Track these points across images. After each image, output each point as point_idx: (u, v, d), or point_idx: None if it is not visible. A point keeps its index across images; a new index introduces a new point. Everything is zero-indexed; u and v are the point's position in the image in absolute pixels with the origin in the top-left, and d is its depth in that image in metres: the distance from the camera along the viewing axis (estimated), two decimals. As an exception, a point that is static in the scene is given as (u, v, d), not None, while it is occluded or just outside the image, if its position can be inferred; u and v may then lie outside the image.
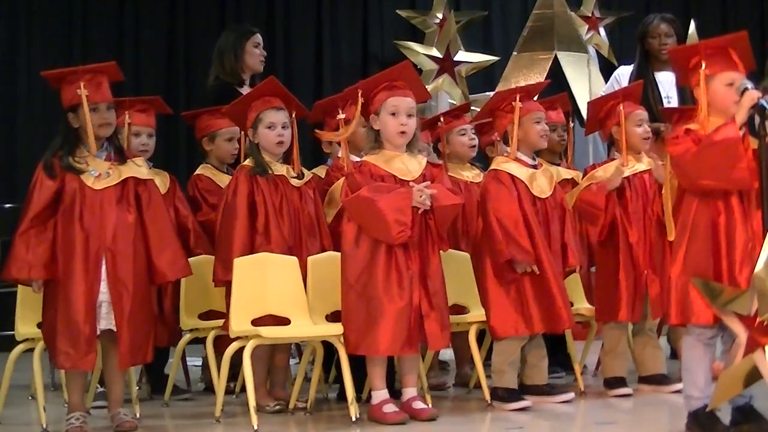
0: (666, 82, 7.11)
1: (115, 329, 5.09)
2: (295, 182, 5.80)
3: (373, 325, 5.26)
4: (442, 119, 6.62)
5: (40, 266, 5.04)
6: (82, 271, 5.05)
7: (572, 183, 6.59)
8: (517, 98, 5.77)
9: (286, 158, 5.87)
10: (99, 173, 5.14)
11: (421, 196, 5.27)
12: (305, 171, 5.93)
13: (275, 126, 5.76)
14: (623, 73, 7.53)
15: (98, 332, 5.08)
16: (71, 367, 5.12)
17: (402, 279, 5.29)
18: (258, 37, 7.36)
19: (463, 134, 6.63)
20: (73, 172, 5.10)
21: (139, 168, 5.28)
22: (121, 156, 5.26)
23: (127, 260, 5.12)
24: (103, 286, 5.08)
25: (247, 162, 5.82)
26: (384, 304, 5.26)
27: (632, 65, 7.55)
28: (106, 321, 5.09)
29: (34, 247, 5.03)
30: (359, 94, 5.45)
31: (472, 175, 6.62)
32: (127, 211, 5.18)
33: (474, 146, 6.70)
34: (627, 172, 5.99)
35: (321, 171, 6.43)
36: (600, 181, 5.97)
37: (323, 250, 5.77)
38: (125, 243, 5.13)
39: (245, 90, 7.02)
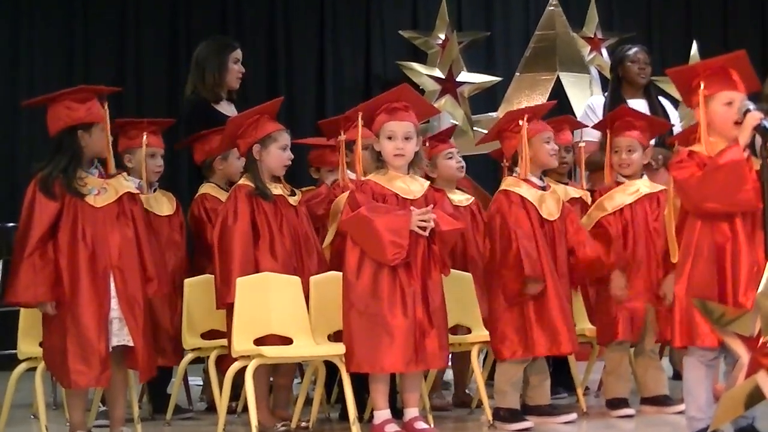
0: (639, 109, 7.09)
1: (130, 344, 5.08)
2: (291, 200, 5.83)
3: (378, 342, 5.25)
4: (428, 143, 6.59)
5: (48, 288, 5.01)
6: (90, 290, 5.03)
7: (581, 202, 6.59)
8: (525, 118, 5.79)
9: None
10: (98, 191, 5.14)
11: (421, 221, 5.28)
12: (294, 189, 5.96)
13: (287, 148, 5.80)
14: (597, 103, 7.53)
15: (110, 349, 5.07)
16: (86, 385, 5.10)
17: (405, 297, 5.29)
18: (239, 53, 7.20)
19: (450, 158, 6.55)
20: (76, 195, 5.07)
21: (128, 183, 5.30)
22: (107, 171, 5.25)
23: (135, 276, 5.13)
24: (114, 303, 5.07)
25: (243, 181, 5.81)
26: (388, 321, 5.25)
27: (604, 95, 7.59)
28: (117, 337, 5.08)
29: (40, 270, 5.00)
30: (360, 118, 5.48)
31: (458, 199, 6.54)
32: (127, 226, 5.17)
33: (461, 169, 6.67)
34: (629, 199, 6.00)
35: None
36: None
37: (320, 268, 5.80)
38: (130, 259, 5.14)
39: (222, 106, 6.98)
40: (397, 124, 5.43)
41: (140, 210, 5.30)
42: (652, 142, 6.39)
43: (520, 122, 5.77)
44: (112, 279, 5.08)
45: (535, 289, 5.60)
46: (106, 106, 5.16)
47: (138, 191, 5.40)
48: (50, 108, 5.18)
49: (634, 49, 7.44)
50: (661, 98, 7.45)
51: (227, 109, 6.94)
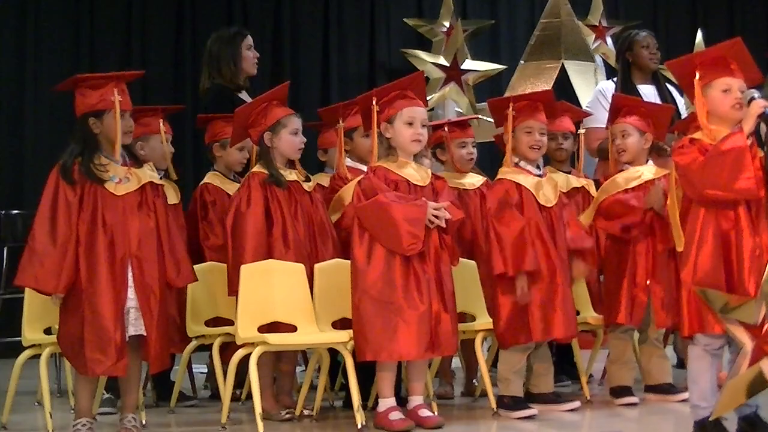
0: (649, 95, 7.05)
1: (145, 334, 5.07)
2: (306, 186, 5.83)
3: (394, 330, 5.23)
4: (446, 128, 6.57)
5: (69, 282, 4.98)
6: (108, 278, 5.01)
7: (582, 191, 6.58)
8: (510, 107, 5.76)
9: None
10: (119, 179, 5.13)
11: (436, 215, 5.29)
12: (309, 175, 5.96)
13: (299, 132, 5.79)
14: (608, 88, 7.42)
15: (127, 338, 5.06)
16: (103, 373, 5.10)
17: (420, 284, 5.29)
18: (250, 39, 7.25)
19: (463, 147, 6.53)
20: (95, 181, 5.07)
21: (153, 173, 5.29)
22: (136, 161, 5.24)
23: (153, 266, 5.11)
24: (131, 293, 5.05)
25: (258, 168, 5.81)
26: (404, 309, 5.24)
27: (613, 80, 7.54)
28: (134, 327, 5.07)
29: (69, 260, 4.97)
30: (374, 103, 5.47)
31: (471, 182, 6.54)
32: (148, 216, 5.15)
33: (472, 159, 6.60)
34: (631, 185, 5.99)
35: (322, 179, 6.46)
36: (637, 195, 5.93)
37: (335, 253, 5.79)
38: (149, 249, 5.11)
39: (244, 95, 6.99)
40: (416, 110, 5.45)
41: (163, 201, 5.28)
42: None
43: (506, 111, 5.76)
44: (129, 268, 5.08)
45: (521, 282, 5.58)
46: (116, 93, 5.13)
47: (162, 183, 5.40)
48: (76, 92, 5.19)
49: (643, 34, 7.35)
50: (668, 85, 7.40)
51: (248, 98, 6.92)
